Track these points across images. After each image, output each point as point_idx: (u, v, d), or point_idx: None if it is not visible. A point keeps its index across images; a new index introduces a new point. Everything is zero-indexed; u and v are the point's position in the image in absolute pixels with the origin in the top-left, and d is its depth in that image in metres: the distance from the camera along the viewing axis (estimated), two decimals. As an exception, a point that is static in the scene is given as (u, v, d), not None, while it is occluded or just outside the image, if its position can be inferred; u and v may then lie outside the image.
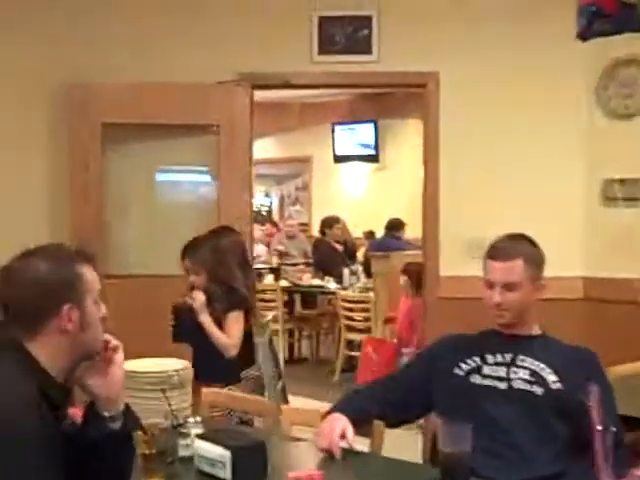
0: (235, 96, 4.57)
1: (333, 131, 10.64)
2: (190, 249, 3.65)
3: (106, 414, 1.90)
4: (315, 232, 9.90)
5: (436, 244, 4.55)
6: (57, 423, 1.81)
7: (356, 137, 10.55)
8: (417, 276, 5.30)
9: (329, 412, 2.54)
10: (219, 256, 3.62)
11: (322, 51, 4.58)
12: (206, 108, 4.53)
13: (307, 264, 8.31)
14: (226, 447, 2.21)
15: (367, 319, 6.87)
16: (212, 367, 3.36)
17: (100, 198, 4.47)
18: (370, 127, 10.35)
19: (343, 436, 2.41)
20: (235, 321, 3.51)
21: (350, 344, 7.02)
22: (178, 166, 5.01)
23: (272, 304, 7.27)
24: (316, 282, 7.82)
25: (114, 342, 1.94)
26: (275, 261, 8.79)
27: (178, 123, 4.57)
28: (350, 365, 6.92)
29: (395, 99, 9.59)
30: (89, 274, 1.89)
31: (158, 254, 4.51)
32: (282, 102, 9.51)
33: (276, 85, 4.75)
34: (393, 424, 2.66)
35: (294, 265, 8.67)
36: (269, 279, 7.84)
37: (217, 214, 4.57)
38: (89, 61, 4.55)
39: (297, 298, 7.98)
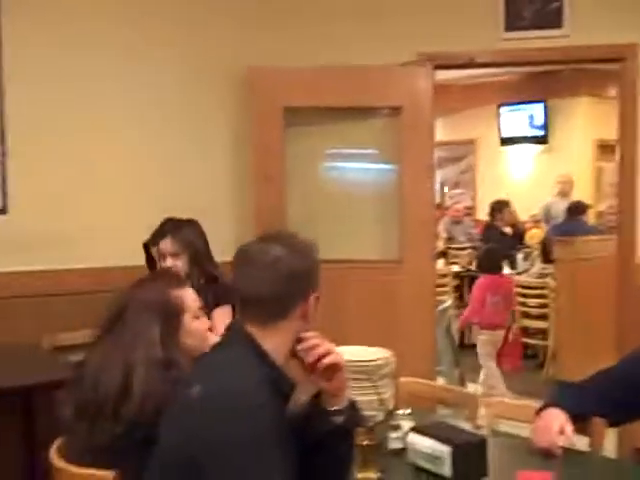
0: (417, 77, 4.45)
1: (499, 112, 10.34)
2: (171, 228, 3.30)
3: (331, 408, 1.85)
4: (481, 216, 9.66)
5: (633, 230, 4.29)
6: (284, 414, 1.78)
7: (524, 118, 10.20)
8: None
9: (543, 407, 2.40)
10: (205, 238, 3.39)
11: (509, 27, 4.39)
12: (387, 90, 4.44)
13: (474, 248, 8.09)
14: (445, 442, 2.12)
15: (543, 306, 6.61)
16: None
17: (282, 182, 4.46)
18: (539, 107, 9.98)
19: (561, 432, 2.27)
20: (224, 317, 3.04)
21: (525, 331, 6.80)
22: (354, 149, 4.94)
23: (442, 289, 7.11)
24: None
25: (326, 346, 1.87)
26: (442, 245, 8.62)
27: (358, 106, 4.50)
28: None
29: (564, 77, 9.20)
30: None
31: (333, 239, 4.46)
32: (446, 83, 9.29)
33: (459, 65, 4.59)
34: (614, 424, 2.48)
35: (461, 250, 8.48)
36: (439, 263, 7.69)
37: (398, 199, 4.47)
38: (272, 44, 4.55)
39: (465, 283, 7.80)
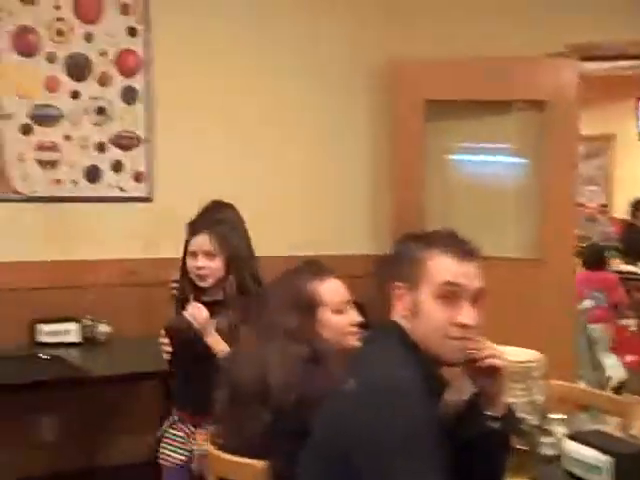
0: (563, 70, 4.30)
1: (638, 106, 9.92)
2: (207, 222, 2.78)
3: (488, 413, 1.79)
4: (617, 214, 9.29)
5: None
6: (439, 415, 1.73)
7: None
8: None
9: None
10: (244, 235, 2.87)
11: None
12: (532, 83, 4.31)
13: (616, 249, 7.79)
14: (606, 452, 2.02)
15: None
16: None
17: (422, 176, 4.40)
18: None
19: None
20: None
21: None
22: (490, 143, 4.82)
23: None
24: (628, 268, 7.31)
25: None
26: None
27: (501, 99, 4.38)
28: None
29: None
30: None
31: (472, 234, 4.36)
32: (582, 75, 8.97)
33: (608, 56, 4.41)
34: None
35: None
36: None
37: (535, 196, 4.34)
38: (411, 37, 4.49)
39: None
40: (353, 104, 4.57)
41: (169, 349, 2.73)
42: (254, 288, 2.73)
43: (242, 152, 4.29)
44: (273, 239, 4.29)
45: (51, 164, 3.88)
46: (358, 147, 4.60)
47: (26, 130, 3.83)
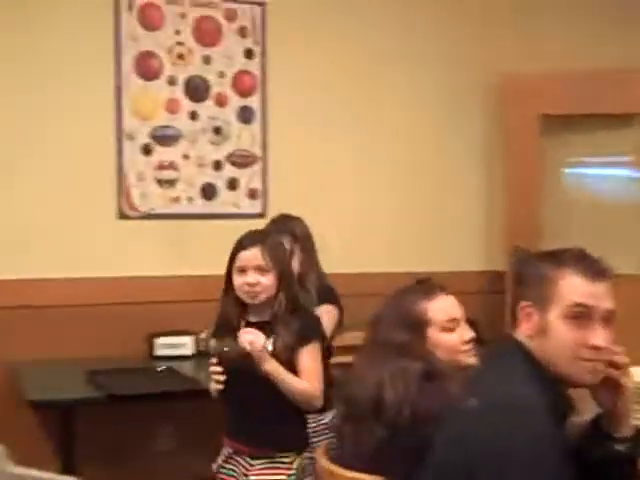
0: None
1: None
2: (259, 237, 2.61)
3: (615, 435, 1.74)
4: None
5: None
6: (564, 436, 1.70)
7: None
8: None
9: None
10: (302, 250, 3.10)
11: None
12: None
13: None
14: None
15: None
16: (278, 431, 2.51)
17: (537, 191, 4.32)
18: None
19: None
20: (314, 357, 2.55)
21: None
22: (607, 157, 4.70)
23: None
24: None
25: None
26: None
27: (617, 112, 4.27)
28: None
29: None
30: None
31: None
32: None
33: None
34: None
35: None
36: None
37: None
38: (524, 51, 4.44)
39: None
40: (467, 119, 4.53)
41: (221, 378, 2.47)
42: (304, 306, 2.61)
43: (355, 168, 4.33)
44: (387, 255, 4.31)
45: (169, 183, 4.01)
46: (471, 161, 4.56)
47: (147, 150, 3.97)
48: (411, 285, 2.39)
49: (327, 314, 3.01)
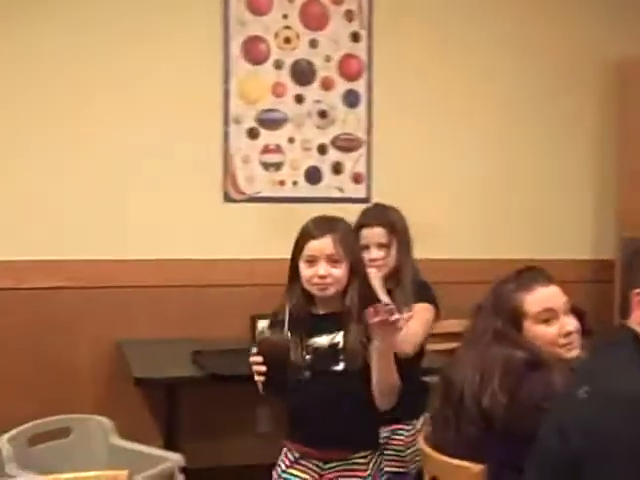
0: None
1: None
2: (329, 225, 2.37)
3: None
4: None
5: None
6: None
7: None
8: None
9: None
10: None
11: None
12: None
13: None
14: None
15: None
16: (353, 431, 2.30)
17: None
18: None
19: None
20: (423, 314, 2.80)
21: None
22: None
23: None
24: None
25: None
26: None
27: None
28: None
29: None
30: None
31: None
32: None
33: None
34: None
35: None
36: None
37: None
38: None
39: None
40: (577, 104, 4.39)
41: (262, 369, 2.20)
42: (378, 299, 2.39)
43: (459, 155, 4.26)
44: (491, 242, 4.24)
45: (275, 166, 4.04)
46: (582, 147, 4.42)
47: (253, 134, 4.01)
48: (511, 275, 2.35)
49: (425, 312, 2.82)
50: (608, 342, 1.80)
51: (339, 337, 2.28)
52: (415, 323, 2.75)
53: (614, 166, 4.34)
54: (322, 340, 2.29)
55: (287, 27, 4.02)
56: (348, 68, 4.10)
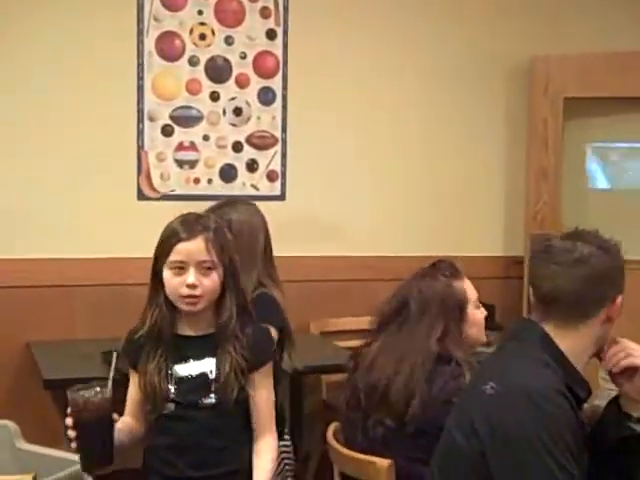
0: None
1: None
2: (201, 223, 2.08)
3: (633, 414, 1.73)
4: None
5: None
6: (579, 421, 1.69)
7: None
8: None
9: None
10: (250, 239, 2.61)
11: None
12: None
13: None
14: None
15: None
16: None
17: (558, 177, 4.28)
18: None
19: None
20: (269, 382, 2.11)
21: None
22: (631, 143, 4.63)
23: None
24: None
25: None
26: None
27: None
28: None
29: None
30: None
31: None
32: None
33: None
34: None
35: None
36: None
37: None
38: (549, 32, 4.38)
39: None
40: (491, 104, 4.46)
41: (72, 434, 1.85)
42: (252, 314, 2.07)
43: (374, 152, 4.29)
44: (404, 239, 4.29)
45: (189, 164, 4.01)
46: (492, 149, 4.49)
47: (167, 131, 3.97)
48: (436, 267, 2.37)
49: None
50: (512, 335, 1.83)
51: (210, 364, 1.97)
52: None
53: (522, 165, 4.43)
54: (189, 368, 1.98)
55: (202, 23, 3.99)
56: (264, 65, 4.09)
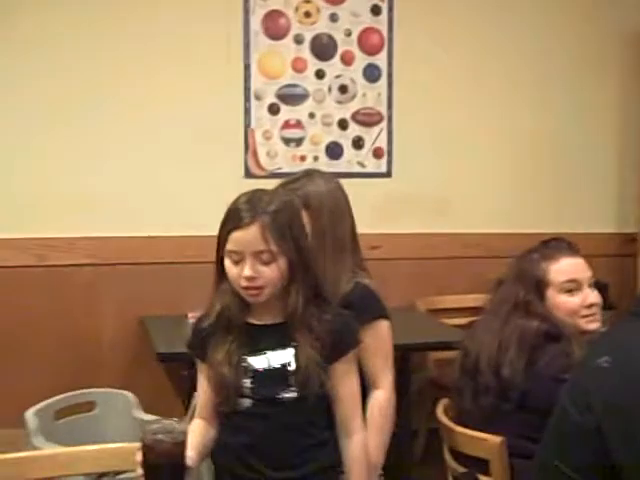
0: None
1: None
2: (260, 206, 1.84)
3: None
4: None
5: None
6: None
7: None
8: None
9: None
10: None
11: None
12: None
13: None
14: None
15: None
16: None
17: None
18: None
19: None
20: (354, 371, 1.93)
21: None
22: None
23: None
24: None
25: None
26: None
27: None
28: None
29: None
30: None
31: None
32: None
33: None
34: None
35: None
36: None
37: None
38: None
39: None
40: (602, 74, 4.34)
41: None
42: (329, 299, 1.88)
43: (481, 128, 4.22)
44: (511, 216, 4.22)
45: (296, 142, 4.04)
46: (607, 123, 4.37)
47: (273, 109, 4.01)
48: (536, 246, 2.37)
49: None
50: (631, 312, 1.78)
51: (288, 355, 1.80)
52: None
53: (637, 141, 4.28)
54: (265, 359, 1.80)
55: (307, 1, 4.00)
56: (369, 42, 4.08)
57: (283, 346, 1.79)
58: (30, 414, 2.82)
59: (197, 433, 1.83)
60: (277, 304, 1.81)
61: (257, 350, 1.80)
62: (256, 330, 1.82)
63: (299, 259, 1.78)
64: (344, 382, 1.83)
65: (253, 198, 1.80)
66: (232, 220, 1.78)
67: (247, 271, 1.74)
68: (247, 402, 1.79)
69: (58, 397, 3.05)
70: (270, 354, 1.80)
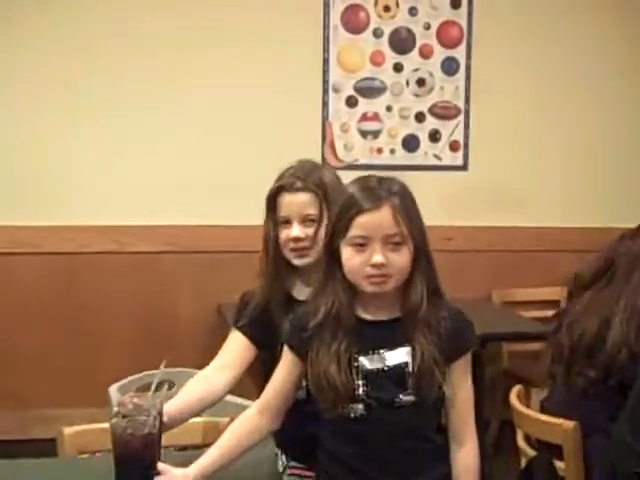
0: None
1: None
2: (384, 188, 1.69)
3: None
4: None
5: None
6: None
7: None
8: None
9: None
10: None
11: None
12: None
13: None
14: None
15: None
16: None
17: None
18: None
19: None
20: (469, 375, 1.75)
21: None
22: None
23: None
24: None
25: None
26: None
27: None
28: None
29: None
30: None
31: None
32: None
33: None
34: None
35: None
36: None
37: None
38: None
39: None
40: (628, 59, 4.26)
41: None
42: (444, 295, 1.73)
43: (559, 122, 4.20)
44: (589, 210, 4.18)
45: (373, 134, 4.08)
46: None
47: (351, 102, 4.05)
48: (629, 231, 2.33)
49: None
50: None
51: (404, 355, 1.64)
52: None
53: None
54: (381, 359, 1.64)
55: (387, -5, 4.04)
56: (448, 35, 4.09)
57: (399, 345, 1.64)
58: (114, 389, 2.93)
59: (246, 423, 1.79)
60: (392, 298, 1.66)
61: (371, 349, 1.64)
62: (369, 327, 1.67)
63: (422, 246, 1.65)
64: (461, 384, 1.68)
65: (369, 183, 1.67)
66: (355, 205, 1.62)
67: (378, 257, 1.59)
68: (360, 407, 1.63)
69: (140, 374, 3.15)
70: (385, 353, 1.63)
